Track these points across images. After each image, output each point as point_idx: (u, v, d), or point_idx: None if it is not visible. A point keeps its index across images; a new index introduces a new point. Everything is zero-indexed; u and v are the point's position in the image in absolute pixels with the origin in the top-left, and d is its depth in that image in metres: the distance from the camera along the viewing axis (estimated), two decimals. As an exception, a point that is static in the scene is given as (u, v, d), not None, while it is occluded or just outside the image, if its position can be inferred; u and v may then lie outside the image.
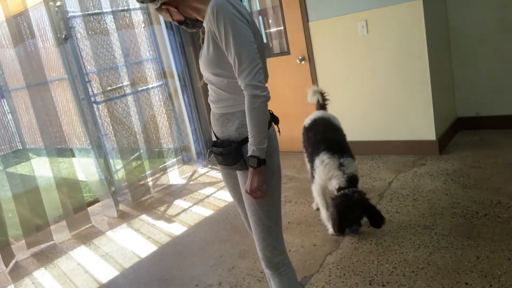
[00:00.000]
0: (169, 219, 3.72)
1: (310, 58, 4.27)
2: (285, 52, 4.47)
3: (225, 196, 3.93)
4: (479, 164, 3.45)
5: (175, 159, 5.09)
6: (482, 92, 4.13)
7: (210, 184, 4.37)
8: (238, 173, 1.66)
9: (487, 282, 2.11)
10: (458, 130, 4.30)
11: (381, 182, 3.51)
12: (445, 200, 3.00)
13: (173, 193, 4.36)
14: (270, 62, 4.54)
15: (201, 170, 4.90)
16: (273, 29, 4.67)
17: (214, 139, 1.72)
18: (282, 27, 4.43)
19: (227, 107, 1.61)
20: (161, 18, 4.68)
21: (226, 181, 1.85)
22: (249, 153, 1.51)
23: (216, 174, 4.65)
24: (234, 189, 1.83)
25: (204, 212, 3.70)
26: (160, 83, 4.90)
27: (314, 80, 4.31)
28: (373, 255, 2.54)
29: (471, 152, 3.75)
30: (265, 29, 4.73)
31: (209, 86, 1.67)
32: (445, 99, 4.07)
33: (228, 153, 1.59)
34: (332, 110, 3.39)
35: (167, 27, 4.71)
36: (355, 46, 3.96)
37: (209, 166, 4.97)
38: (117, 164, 4.52)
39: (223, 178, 1.87)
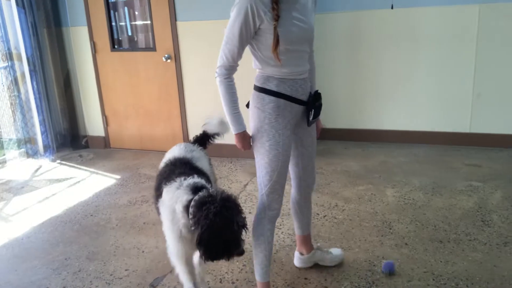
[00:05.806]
0: (6, 219, 3.32)
1: (176, 57, 4.25)
2: (150, 48, 4.37)
3: (75, 195, 3.67)
4: (322, 171, 3.85)
5: (17, 152, 4.57)
6: (325, 106, 4.61)
7: (58, 181, 4.03)
8: (312, 122, 2.15)
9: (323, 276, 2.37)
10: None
11: (237, 184, 3.68)
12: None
13: (12, 189, 3.90)
14: (135, 56, 4.39)
15: (48, 165, 4.48)
16: (139, 22, 4.54)
17: (303, 100, 2.04)
18: (149, 21, 4.32)
19: (308, 71, 2.05)
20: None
21: (289, 138, 2.06)
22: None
23: (67, 170, 4.29)
24: (289, 143, 2.08)
25: (49, 211, 3.40)
26: (5, 65, 4.36)
27: (179, 79, 4.30)
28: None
29: (316, 159, 4.15)
30: (130, 20, 4.56)
31: (300, 56, 1.94)
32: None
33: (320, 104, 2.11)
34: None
35: (17, 4, 4.20)
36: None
37: (58, 161, 4.56)
38: None
39: (287, 139, 2.03)
